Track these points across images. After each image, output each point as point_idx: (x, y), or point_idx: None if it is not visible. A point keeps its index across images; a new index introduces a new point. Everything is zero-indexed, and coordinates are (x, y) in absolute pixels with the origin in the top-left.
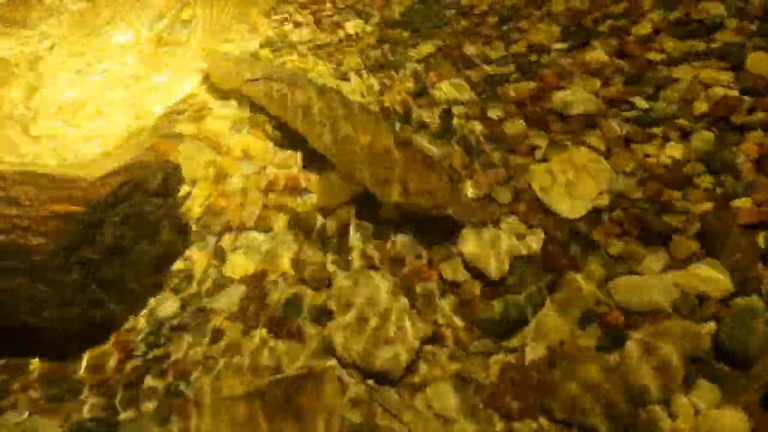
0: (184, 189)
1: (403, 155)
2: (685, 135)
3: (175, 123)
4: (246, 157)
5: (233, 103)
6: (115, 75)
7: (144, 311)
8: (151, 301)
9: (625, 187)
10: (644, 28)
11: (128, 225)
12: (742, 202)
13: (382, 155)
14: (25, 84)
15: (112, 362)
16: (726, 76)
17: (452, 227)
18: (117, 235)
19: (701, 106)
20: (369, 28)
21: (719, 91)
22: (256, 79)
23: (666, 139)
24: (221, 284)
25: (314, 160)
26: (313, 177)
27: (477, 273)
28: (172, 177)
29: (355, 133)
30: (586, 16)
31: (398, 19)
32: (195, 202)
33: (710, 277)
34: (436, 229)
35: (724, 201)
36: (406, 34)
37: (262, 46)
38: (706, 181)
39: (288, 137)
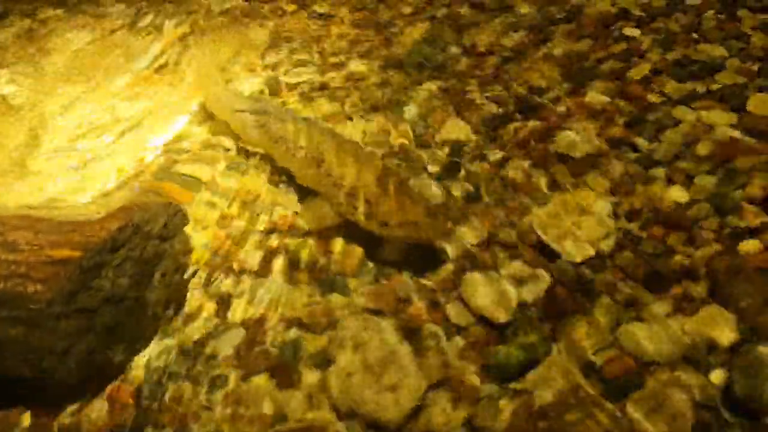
0: (186, 231)
1: (384, 186)
2: (689, 177)
3: (175, 163)
4: (246, 198)
5: (231, 142)
6: (111, 115)
7: (143, 358)
8: (151, 347)
9: (630, 229)
10: (643, 70)
11: (128, 269)
12: (750, 245)
13: (365, 185)
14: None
15: (108, 413)
16: (728, 118)
17: (438, 257)
18: (117, 280)
19: (704, 148)
20: (370, 69)
21: (722, 133)
22: (243, 111)
23: (670, 180)
24: (222, 329)
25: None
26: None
27: (483, 317)
28: (173, 219)
29: (338, 165)
30: (586, 57)
31: (400, 59)
32: (196, 243)
33: (719, 323)
34: (428, 261)
35: (732, 244)
36: (407, 74)
37: (261, 86)
38: (712, 223)
39: (288, 177)
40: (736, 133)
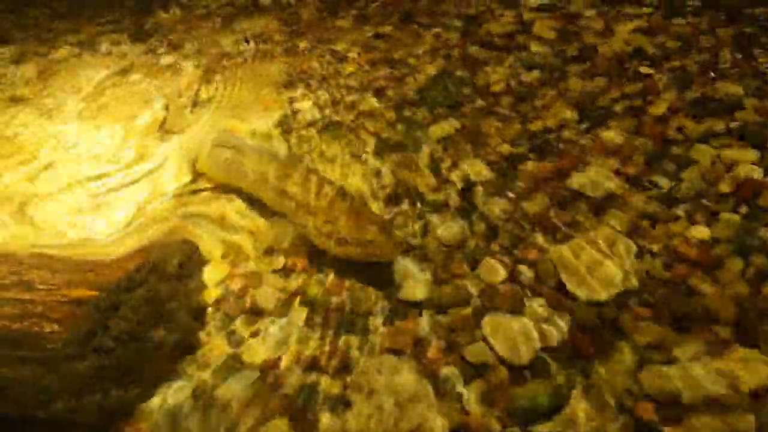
0: (202, 270)
1: (343, 207)
2: (712, 215)
3: (192, 203)
4: (261, 237)
5: None
6: (129, 154)
7: (158, 400)
8: (166, 389)
9: (652, 269)
10: (660, 108)
11: (144, 309)
12: None
13: (325, 208)
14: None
15: None
16: (750, 156)
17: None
18: (132, 320)
19: (725, 187)
20: (384, 107)
21: (744, 171)
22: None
23: (691, 219)
24: (237, 370)
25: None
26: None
27: (503, 359)
28: (189, 259)
29: (301, 192)
30: (601, 96)
31: (413, 97)
32: (212, 283)
33: (746, 366)
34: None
35: (758, 284)
36: (421, 113)
37: (275, 125)
38: (736, 263)
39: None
40: (759, 171)
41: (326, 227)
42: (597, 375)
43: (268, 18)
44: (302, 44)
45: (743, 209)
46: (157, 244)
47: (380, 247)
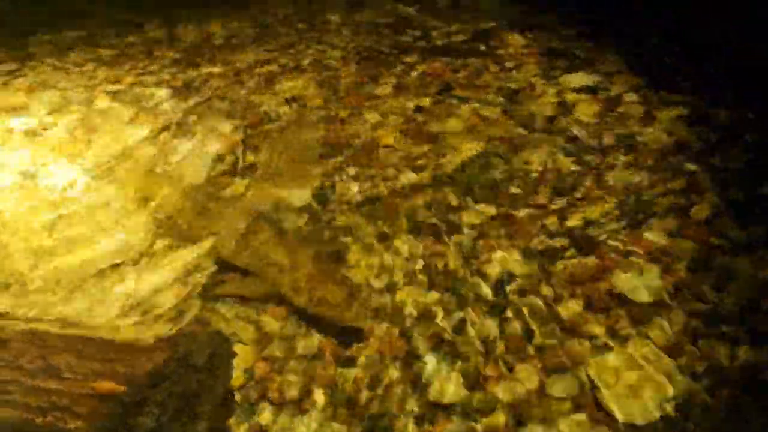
0: (231, 362)
1: (316, 269)
2: (760, 335)
3: (221, 285)
4: (286, 323)
5: None
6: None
7: None
8: None
9: (694, 391)
10: (704, 210)
11: (171, 405)
12: None
13: (298, 268)
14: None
15: None
16: None
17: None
18: (159, 417)
19: None
20: (419, 184)
21: None
22: None
23: (735, 340)
24: None
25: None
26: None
27: None
28: (219, 351)
29: (274, 252)
30: (644, 190)
31: (449, 175)
32: (238, 367)
33: None
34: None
35: None
36: (457, 194)
37: (309, 197)
38: None
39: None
40: None
41: (296, 285)
42: None
43: (306, 79)
44: (341, 111)
45: None
46: (189, 333)
47: (346, 310)
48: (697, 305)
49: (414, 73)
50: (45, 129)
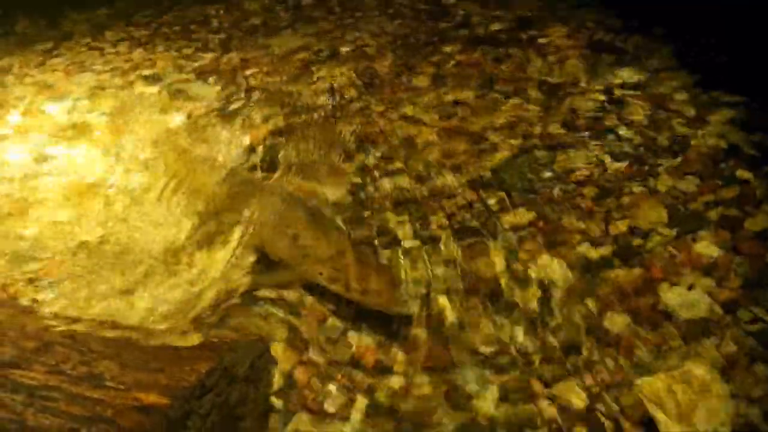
0: (272, 371)
1: (354, 257)
2: None
3: (259, 276)
4: (329, 332)
5: None
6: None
7: None
8: None
9: (750, 417)
10: (759, 222)
11: (214, 417)
12: None
13: (335, 257)
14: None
15: None
16: None
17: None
18: (202, 430)
19: None
20: (459, 185)
21: None
22: None
23: None
24: None
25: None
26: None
27: None
28: (260, 360)
29: (314, 240)
30: (694, 198)
31: (489, 176)
32: (277, 373)
33: None
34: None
35: None
36: (497, 196)
37: (345, 192)
38: None
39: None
40: None
41: (335, 274)
42: None
43: (342, 68)
44: (377, 104)
45: None
46: (231, 342)
47: (383, 296)
48: (751, 326)
49: (452, 63)
50: (82, 113)
